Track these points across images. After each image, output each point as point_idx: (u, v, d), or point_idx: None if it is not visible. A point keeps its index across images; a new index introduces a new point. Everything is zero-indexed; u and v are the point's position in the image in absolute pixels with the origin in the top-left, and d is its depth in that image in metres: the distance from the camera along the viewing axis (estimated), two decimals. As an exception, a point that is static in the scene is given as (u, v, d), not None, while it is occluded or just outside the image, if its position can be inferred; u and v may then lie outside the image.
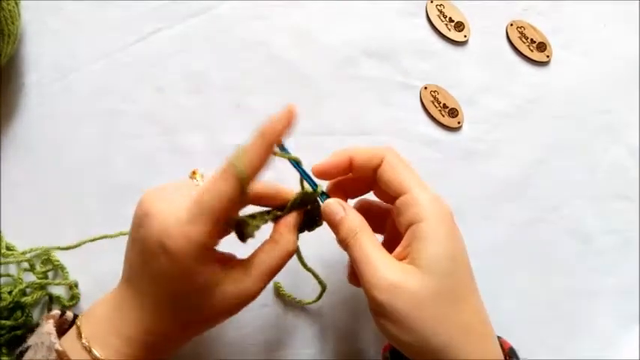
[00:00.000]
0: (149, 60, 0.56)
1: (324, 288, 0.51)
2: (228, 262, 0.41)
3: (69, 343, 0.40)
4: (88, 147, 0.55)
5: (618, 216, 0.57)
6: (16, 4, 0.51)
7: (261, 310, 0.53)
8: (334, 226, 0.43)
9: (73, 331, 0.41)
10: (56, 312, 0.45)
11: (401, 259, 0.40)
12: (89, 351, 0.39)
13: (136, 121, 0.56)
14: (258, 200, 0.44)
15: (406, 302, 0.38)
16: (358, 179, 0.45)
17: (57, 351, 0.39)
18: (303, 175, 0.43)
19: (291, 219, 0.43)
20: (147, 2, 0.56)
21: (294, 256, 0.44)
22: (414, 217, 0.40)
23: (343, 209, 0.42)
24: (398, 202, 0.41)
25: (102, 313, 0.41)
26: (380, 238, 0.46)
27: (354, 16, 0.57)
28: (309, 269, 0.49)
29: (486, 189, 0.56)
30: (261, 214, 0.43)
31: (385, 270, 0.39)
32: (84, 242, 0.52)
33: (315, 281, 0.51)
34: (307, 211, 0.44)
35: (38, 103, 0.55)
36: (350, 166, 0.43)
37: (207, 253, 0.38)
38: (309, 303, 0.52)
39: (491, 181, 0.56)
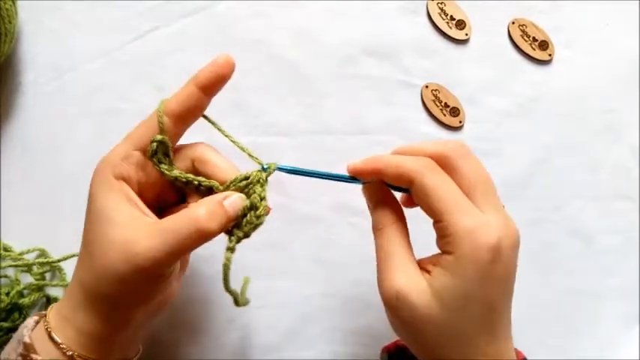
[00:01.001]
0: (147, 59, 0.56)
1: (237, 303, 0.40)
2: (141, 209, 0.40)
3: (39, 335, 0.40)
4: (85, 146, 0.55)
5: (620, 216, 0.57)
6: (13, 3, 0.51)
7: (260, 311, 0.53)
8: (370, 210, 0.42)
9: (42, 320, 0.41)
10: (45, 312, 0.44)
11: (423, 267, 0.39)
12: (49, 336, 0.39)
13: (134, 120, 0.54)
14: (204, 164, 0.42)
15: (406, 312, 0.37)
16: None
17: (24, 343, 0.39)
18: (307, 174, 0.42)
19: (217, 195, 0.39)
20: (144, 1, 0.56)
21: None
22: (445, 247, 0.37)
23: (376, 199, 0.41)
24: (436, 226, 0.39)
25: (61, 302, 0.41)
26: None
27: (355, 14, 0.57)
28: (229, 290, 0.39)
29: (487, 188, 0.56)
30: (193, 176, 0.41)
31: (398, 274, 0.38)
32: None
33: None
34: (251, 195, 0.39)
35: (35, 102, 0.55)
36: (379, 176, 0.41)
37: (112, 179, 0.39)
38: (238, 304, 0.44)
39: (493, 180, 0.56)
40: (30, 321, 0.41)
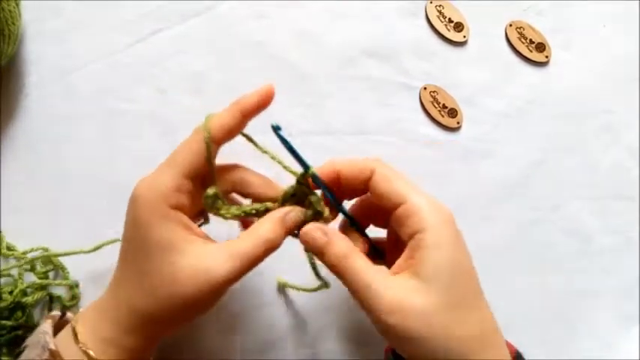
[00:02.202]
0: (149, 60, 0.56)
1: (326, 286, 0.47)
2: (198, 234, 0.41)
3: (64, 342, 0.41)
4: (88, 147, 0.55)
5: (618, 216, 0.57)
6: (17, 4, 0.51)
7: (260, 311, 0.53)
8: (318, 254, 0.40)
9: (68, 331, 0.41)
10: (56, 313, 0.45)
11: (402, 271, 0.39)
12: (86, 352, 0.40)
13: (137, 122, 0.56)
14: (246, 187, 0.43)
15: (416, 320, 0.36)
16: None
17: (50, 350, 0.40)
18: (296, 156, 0.41)
19: (276, 212, 0.41)
20: (147, 3, 0.57)
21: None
22: (415, 226, 0.38)
23: (325, 234, 0.40)
24: (397, 212, 0.39)
25: (93, 315, 0.42)
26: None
27: (354, 16, 0.57)
28: (320, 278, 0.46)
29: (486, 189, 0.56)
30: (250, 206, 0.42)
31: (388, 292, 0.37)
32: (103, 244, 0.52)
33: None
34: (308, 205, 0.42)
35: (38, 103, 0.55)
36: (338, 180, 0.41)
37: (168, 209, 0.39)
38: (311, 290, 0.50)
39: (491, 181, 0.57)
40: (47, 326, 0.42)
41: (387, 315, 0.36)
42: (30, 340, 0.42)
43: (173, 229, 0.39)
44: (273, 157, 0.44)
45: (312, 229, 0.40)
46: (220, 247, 0.40)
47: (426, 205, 0.39)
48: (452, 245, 0.38)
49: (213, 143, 0.41)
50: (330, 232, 0.40)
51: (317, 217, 0.42)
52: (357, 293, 0.38)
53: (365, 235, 0.44)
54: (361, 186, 0.41)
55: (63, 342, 0.41)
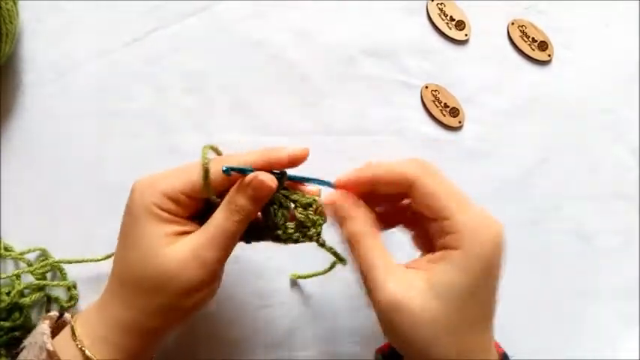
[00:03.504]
0: (147, 59, 0.56)
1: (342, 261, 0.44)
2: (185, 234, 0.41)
3: (62, 343, 0.41)
4: (86, 146, 0.55)
5: (619, 216, 0.57)
6: (14, 3, 0.51)
7: (260, 312, 0.53)
8: (340, 224, 0.40)
9: (67, 331, 0.42)
10: (54, 314, 0.45)
11: (418, 269, 0.38)
12: (82, 351, 0.40)
13: (135, 121, 0.55)
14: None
15: (404, 320, 0.36)
16: None
17: (48, 351, 0.40)
18: (308, 180, 0.42)
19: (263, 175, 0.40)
20: (145, 2, 0.56)
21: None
22: (451, 243, 0.37)
23: (349, 206, 0.40)
24: (436, 224, 0.38)
25: (91, 315, 0.42)
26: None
27: (354, 15, 0.57)
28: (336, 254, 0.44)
29: (487, 188, 0.56)
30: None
31: (389, 282, 0.37)
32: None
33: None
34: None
35: (36, 102, 0.55)
36: (374, 186, 0.40)
37: (157, 209, 0.40)
38: (322, 273, 0.50)
39: (492, 180, 0.56)
40: (44, 327, 0.42)
41: (380, 304, 0.37)
42: (28, 341, 0.42)
43: (156, 228, 0.40)
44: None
45: (338, 197, 0.40)
46: (186, 250, 0.40)
47: (468, 224, 0.37)
48: (479, 272, 0.36)
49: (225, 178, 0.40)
50: (354, 206, 0.40)
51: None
52: (363, 272, 0.38)
53: None
54: (399, 196, 0.40)
55: (61, 343, 0.41)
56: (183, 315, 0.42)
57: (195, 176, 0.40)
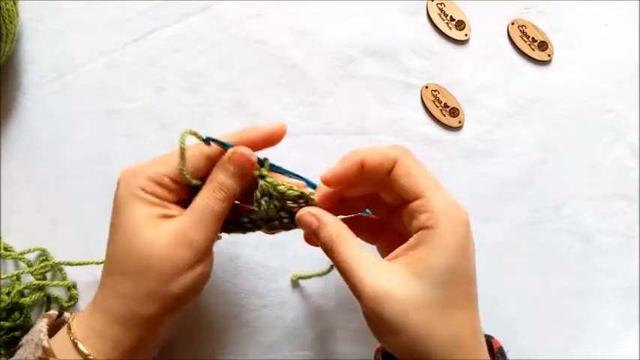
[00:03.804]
0: (147, 59, 0.56)
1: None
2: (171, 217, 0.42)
3: (59, 340, 0.41)
4: (86, 146, 0.55)
5: (619, 216, 0.57)
6: (14, 3, 0.51)
7: (260, 311, 0.53)
8: (315, 237, 0.41)
9: (64, 329, 0.42)
10: (53, 312, 0.45)
11: (398, 258, 0.39)
12: (75, 346, 0.40)
13: (135, 120, 0.56)
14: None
15: (393, 311, 0.37)
16: (352, 196, 0.43)
17: (43, 348, 0.40)
18: (290, 174, 0.43)
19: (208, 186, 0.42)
20: (145, 1, 0.56)
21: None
22: (426, 223, 0.38)
23: (316, 218, 0.41)
24: (412, 205, 0.40)
25: (86, 311, 0.42)
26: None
27: (355, 14, 0.57)
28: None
29: (487, 188, 0.56)
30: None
31: (371, 277, 0.38)
32: None
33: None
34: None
35: (36, 102, 0.55)
36: (361, 171, 0.41)
37: (140, 190, 0.41)
38: (323, 274, 0.51)
39: (492, 180, 0.56)
40: (42, 324, 0.42)
41: (366, 300, 0.37)
42: (25, 339, 0.43)
43: (140, 211, 0.41)
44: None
45: (303, 214, 0.41)
46: (170, 231, 0.40)
47: (441, 204, 0.39)
48: (455, 250, 0.38)
49: (206, 159, 0.42)
50: (319, 215, 0.41)
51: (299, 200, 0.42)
52: (344, 273, 0.39)
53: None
54: (383, 176, 0.41)
55: (57, 340, 0.41)
56: (174, 302, 0.41)
57: (173, 158, 0.42)
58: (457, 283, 0.38)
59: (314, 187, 0.43)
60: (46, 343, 0.40)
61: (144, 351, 0.43)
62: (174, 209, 0.42)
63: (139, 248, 0.40)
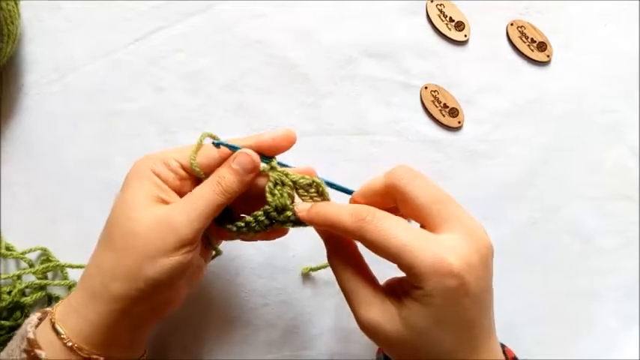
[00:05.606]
0: (148, 59, 0.56)
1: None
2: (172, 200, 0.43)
3: (43, 328, 0.41)
4: (87, 146, 0.55)
5: (619, 216, 0.57)
6: (16, 3, 0.51)
7: (261, 310, 0.53)
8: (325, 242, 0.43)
9: (49, 315, 0.42)
10: (49, 309, 0.45)
11: (393, 289, 0.40)
12: (53, 327, 0.40)
13: (136, 121, 0.56)
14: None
15: (380, 340, 0.39)
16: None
17: (28, 339, 0.40)
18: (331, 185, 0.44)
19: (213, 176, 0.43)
20: (146, 1, 0.56)
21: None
22: (411, 280, 0.37)
23: (328, 235, 0.42)
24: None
25: (74, 291, 0.43)
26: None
27: (354, 15, 0.57)
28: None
29: (487, 189, 0.56)
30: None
31: (364, 308, 0.39)
32: None
33: None
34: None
35: (37, 103, 0.55)
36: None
37: (149, 171, 0.42)
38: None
39: (492, 181, 0.56)
40: (33, 318, 0.42)
41: (361, 324, 0.40)
42: (17, 332, 0.43)
43: (142, 188, 0.42)
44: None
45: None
46: (159, 214, 0.41)
47: (423, 265, 0.36)
48: (441, 306, 0.37)
49: (219, 159, 0.43)
50: (334, 236, 0.42)
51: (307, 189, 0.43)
52: (345, 294, 0.41)
53: None
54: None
55: (42, 327, 0.41)
56: (145, 286, 0.40)
57: (190, 150, 0.43)
58: (448, 332, 0.37)
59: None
60: (31, 335, 0.40)
61: (118, 340, 0.42)
62: (174, 198, 0.43)
63: (126, 225, 0.41)
